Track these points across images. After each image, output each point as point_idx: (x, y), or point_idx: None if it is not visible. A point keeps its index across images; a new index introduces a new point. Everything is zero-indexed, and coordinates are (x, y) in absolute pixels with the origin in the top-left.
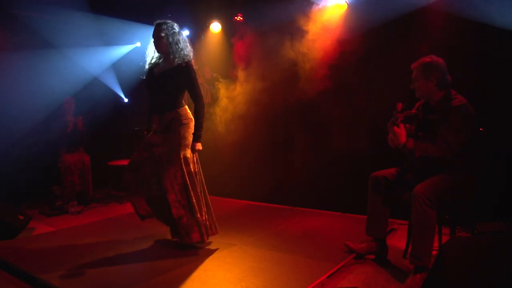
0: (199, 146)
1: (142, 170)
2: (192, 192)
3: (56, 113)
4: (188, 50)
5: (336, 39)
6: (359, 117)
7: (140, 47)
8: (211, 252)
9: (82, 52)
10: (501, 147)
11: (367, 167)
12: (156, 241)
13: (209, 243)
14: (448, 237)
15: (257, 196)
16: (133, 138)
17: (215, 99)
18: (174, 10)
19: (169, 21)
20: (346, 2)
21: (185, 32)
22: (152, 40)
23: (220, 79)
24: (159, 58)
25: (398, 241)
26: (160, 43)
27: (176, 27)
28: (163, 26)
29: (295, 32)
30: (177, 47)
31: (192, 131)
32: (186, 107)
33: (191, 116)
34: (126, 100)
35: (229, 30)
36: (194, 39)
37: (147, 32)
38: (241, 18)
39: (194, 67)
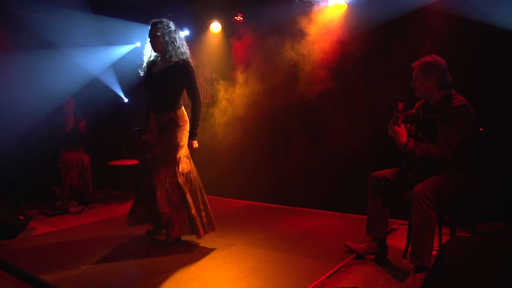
0: (195, 143)
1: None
2: (185, 189)
3: (56, 113)
4: (185, 48)
5: (336, 39)
6: (359, 117)
7: (140, 47)
8: (211, 252)
9: (82, 52)
10: (501, 147)
11: (367, 167)
12: (156, 241)
13: (209, 243)
14: (448, 237)
15: (257, 196)
16: (133, 138)
17: (215, 100)
18: (174, 10)
19: (165, 20)
20: (346, 2)
21: (185, 32)
22: (149, 39)
23: (220, 81)
24: (156, 57)
25: (398, 241)
26: (156, 42)
27: (172, 25)
28: (159, 25)
29: (295, 32)
30: (173, 45)
31: (187, 132)
32: (183, 108)
33: (187, 118)
34: (126, 100)
35: (229, 30)
36: (194, 39)
37: (147, 32)
38: (241, 18)
39: (192, 65)
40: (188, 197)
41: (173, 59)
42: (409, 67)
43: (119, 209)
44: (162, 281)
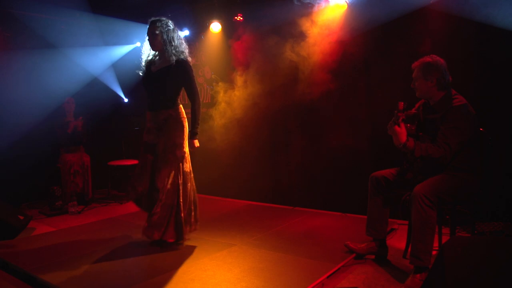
0: (196, 143)
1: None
2: (181, 192)
3: (56, 113)
4: (183, 47)
5: (336, 39)
6: (359, 117)
7: (140, 47)
8: (211, 252)
9: (82, 52)
10: (501, 147)
11: (367, 167)
12: (156, 241)
13: (209, 243)
14: (448, 237)
15: (257, 196)
16: (133, 138)
17: (214, 101)
18: (174, 10)
19: (164, 18)
20: (346, 2)
21: (185, 32)
22: (147, 37)
23: (220, 83)
24: (155, 55)
25: (398, 241)
26: (155, 41)
27: (171, 24)
28: (157, 23)
29: (295, 32)
30: (172, 44)
31: (187, 130)
32: (181, 106)
33: (185, 116)
34: (126, 100)
35: (229, 30)
36: (194, 39)
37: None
38: (241, 18)
39: (191, 64)
40: (181, 200)
41: (171, 58)
42: (409, 67)
43: (119, 209)
44: (162, 281)
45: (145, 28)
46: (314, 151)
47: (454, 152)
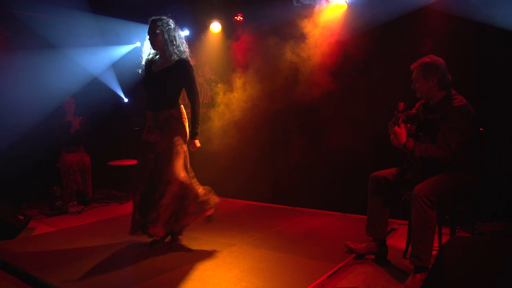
0: (197, 143)
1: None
2: (190, 184)
3: (56, 113)
4: (184, 47)
5: (336, 39)
6: (359, 117)
7: (140, 47)
8: (211, 252)
9: (82, 52)
10: (501, 147)
11: (367, 167)
12: (156, 241)
13: (209, 243)
14: (448, 237)
15: (257, 196)
16: (133, 138)
17: (214, 102)
18: (174, 10)
19: (165, 17)
20: (346, 2)
21: (185, 32)
22: (148, 37)
23: (219, 84)
24: (155, 54)
25: (398, 241)
26: (155, 40)
27: (171, 23)
28: (158, 22)
29: (295, 32)
30: (173, 44)
31: (187, 130)
32: (182, 106)
33: (186, 116)
34: (126, 100)
35: (229, 30)
36: (194, 39)
37: (147, 31)
38: (241, 18)
39: (192, 64)
40: (189, 192)
41: (172, 57)
42: (409, 68)
43: (119, 209)
44: (162, 281)
45: (145, 28)
46: (314, 151)
47: (454, 152)
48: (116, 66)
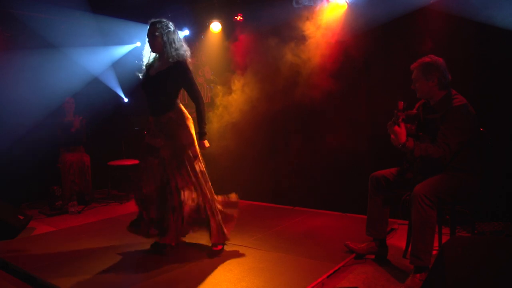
0: (206, 143)
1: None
2: (202, 192)
3: (56, 113)
4: (184, 49)
5: (336, 39)
6: (359, 117)
7: (140, 47)
8: None
9: (83, 52)
10: (501, 147)
11: (367, 167)
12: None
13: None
14: (448, 237)
15: (257, 196)
16: (133, 138)
17: (214, 102)
18: (174, 10)
19: (164, 20)
20: (346, 2)
21: (185, 32)
22: (147, 39)
23: (219, 86)
24: (154, 58)
25: (398, 241)
26: (154, 42)
27: (171, 25)
28: (157, 24)
29: (295, 33)
30: (172, 46)
31: (192, 129)
32: (182, 106)
33: (188, 115)
34: (126, 100)
35: (229, 30)
36: (194, 39)
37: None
38: (241, 18)
39: (190, 66)
40: (201, 199)
41: (170, 60)
42: (409, 67)
43: (119, 209)
44: (162, 281)
45: (145, 28)
46: (314, 151)
47: (454, 152)
48: (116, 66)
